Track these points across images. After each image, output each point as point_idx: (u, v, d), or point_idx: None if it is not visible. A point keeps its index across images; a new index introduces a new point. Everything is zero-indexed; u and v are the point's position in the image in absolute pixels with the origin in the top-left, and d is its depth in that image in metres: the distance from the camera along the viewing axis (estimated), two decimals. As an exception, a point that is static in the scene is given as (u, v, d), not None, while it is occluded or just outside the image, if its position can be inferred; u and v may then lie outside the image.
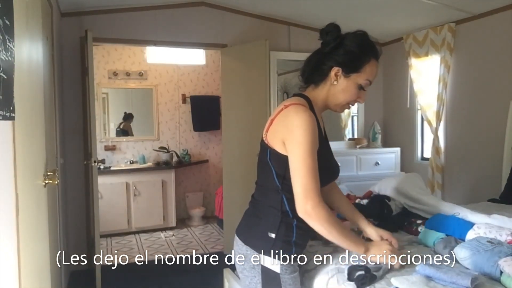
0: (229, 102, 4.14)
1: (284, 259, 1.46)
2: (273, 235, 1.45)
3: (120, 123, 5.70)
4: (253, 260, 1.48)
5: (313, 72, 1.50)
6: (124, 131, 5.70)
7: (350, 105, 1.51)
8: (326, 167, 1.47)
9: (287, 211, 1.46)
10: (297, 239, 1.48)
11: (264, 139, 1.48)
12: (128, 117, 5.71)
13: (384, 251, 1.47)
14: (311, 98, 1.49)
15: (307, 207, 1.35)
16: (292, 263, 1.49)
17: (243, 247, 1.50)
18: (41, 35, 2.13)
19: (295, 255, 1.50)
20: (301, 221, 1.45)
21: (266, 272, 1.46)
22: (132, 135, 5.72)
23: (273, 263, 1.46)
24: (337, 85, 1.46)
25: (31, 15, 1.69)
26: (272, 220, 1.46)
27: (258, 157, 1.54)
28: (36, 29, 1.92)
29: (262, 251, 1.46)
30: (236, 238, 1.56)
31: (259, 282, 1.48)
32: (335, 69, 1.45)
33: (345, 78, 1.46)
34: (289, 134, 1.38)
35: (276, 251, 1.45)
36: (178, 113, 5.87)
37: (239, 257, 1.52)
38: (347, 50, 1.45)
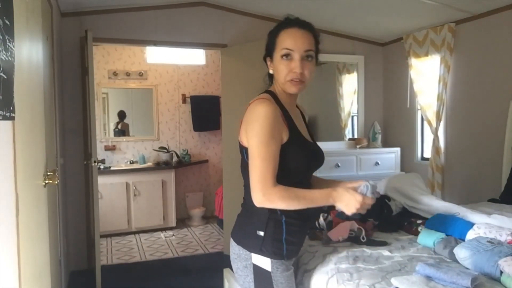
0: (229, 102, 4.14)
1: (275, 257, 1.46)
2: (261, 233, 1.45)
3: (118, 123, 5.68)
4: (245, 259, 1.49)
5: (269, 75, 1.58)
6: (122, 131, 5.68)
7: (294, 80, 1.45)
8: (301, 156, 1.47)
9: (275, 210, 1.45)
10: (288, 236, 1.47)
11: (239, 140, 1.52)
12: (122, 116, 5.68)
13: (347, 201, 1.38)
14: (275, 92, 1.52)
15: (258, 197, 1.37)
16: (284, 261, 1.48)
17: (236, 247, 1.52)
18: (41, 35, 2.13)
19: (287, 252, 1.48)
20: (291, 217, 1.46)
21: (258, 271, 1.47)
22: (129, 134, 5.70)
23: (263, 262, 1.46)
24: (274, 71, 1.50)
25: (31, 15, 1.69)
26: (259, 218, 1.47)
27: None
28: (36, 29, 1.92)
29: (253, 249, 1.47)
30: (231, 239, 1.57)
31: (252, 281, 1.49)
32: (268, 61, 1.53)
33: (273, 61, 1.49)
34: (248, 128, 1.41)
35: (266, 249, 1.45)
36: (178, 113, 5.87)
37: (233, 257, 1.54)
38: (267, 40, 1.52)
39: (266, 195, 1.36)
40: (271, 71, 1.52)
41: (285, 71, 1.44)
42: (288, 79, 1.44)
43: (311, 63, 1.47)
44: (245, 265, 1.49)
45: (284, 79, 1.45)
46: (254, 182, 1.38)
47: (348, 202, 1.36)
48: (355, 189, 1.42)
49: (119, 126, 5.67)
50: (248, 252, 1.48)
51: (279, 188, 1.37)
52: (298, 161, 1.46)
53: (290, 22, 1.48)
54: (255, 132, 1.38)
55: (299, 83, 1.45)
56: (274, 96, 1.50)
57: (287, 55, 1.43)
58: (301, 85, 1.46)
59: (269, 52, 1.51)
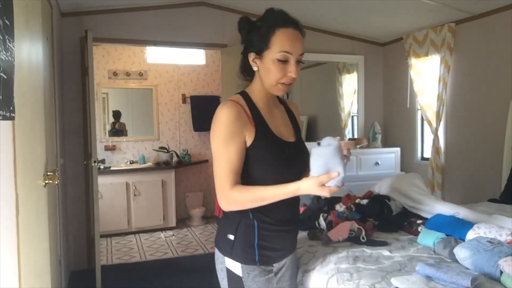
0: (229, 102, 4.14)
1: (246, 262, 1.40)
2: (231, 237, 1.41)
3: (114, 123, 5.65)
4: (221, 262, 1.46)
5: (244, 69, 1.47)
6: (119, 131, 5.65)
7: (285, 83, 1.37)
8: (270, 156, 1.38)
9: (247, 212, 1.40)
10: (261, 241, 1.41)
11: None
12: (118, 116, 5.65)
13: (311, 187, 1.27)
14: (248, 91, 1.45)
15: (220, 202, 1.36)
16: (257, 266, 1.42)
17: (216, 249, 1.50)
18: (41, 35, 2.13)
19: (261, 258, 1.41)
20: (265, 222, 1.41)
21: (230, 275, 1.44)
22: (126, 134, 5.68)
23: (235, 266, 1.42)
24: (260, 69, 1.39)
25: (31, 15, 1.69)
26: (230, 221, 1.43)
27: None
28: (36, 29, 1.92)
29: (225, 253, 1.44)
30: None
31: (227, 284, 1.46)
32: (250, 55, 1.40)
33: (261, 59, 1.37)
34: (211, 132, 1.38)
35: (236, 254, 1.41)
36: (178, 113, 5.87)
37: (215, 259, 1.51)
38: (253, 32, 1.39)
39: (225, 199, 1.35)
40: (255, 68, 1.40)
41: (279, 74, 1.35)
42: (281, 81, 1.37)
43: (300, 66, 1.39)
44: (221, 268, 1.47)
45: (276, 82, 1.37)
46: (216, 186, 1.36)
47: (309, 188, 1.27)
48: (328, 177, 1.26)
49: (116, 126, 5.65)
50: (222, 255, 1.45)
51: (236, 190, 1.33)
52: (265, 161, 1.38)
53: (285, 21, 1.36)
54: (214, 135, 1.35)
55: (288, 87, 1.40)
56: (246, 96, 1.43)
57: (284, 59, 1.34)
58: (289, 87, 1.41)
59: (257, 48, 1.37)
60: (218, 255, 1.48)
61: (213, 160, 1.38)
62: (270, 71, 1.36)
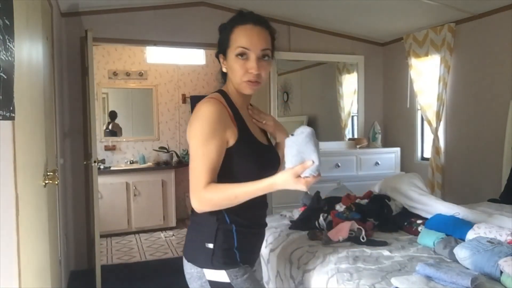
0: (229, 102, 4.14)
1: (229, 267, 1.35)
2: (211, 246, 1.34)
3: (109, 123, 5.63)
4: (199, 278, 1.36)
5: (221, 72, 1.48)
6: (113, 131, 5.63)
7: (250, 81, 1.34)
8: (252, 158, 1.36)
9: (224, 217, 1.35)
10: (240, 245, 1.37)
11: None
12: (113, 116, 5.64)
13: (286, 180, 1.20)
14: (226, 90, 1.43)
15: (193, 202, 1.29)
16: (240, 266, 1.37)
17: (188, 265, 1.39)
18: (41, 35, 2.13)
19: (242, 258, 1.38)
20: (243, 226, 1.37)
21: (217, 286, 1.35)
22: (121, 135, 5.66)
23: (219, 275, 1.34)
24: (227, 69, 1.40)
25: (31, 15, 1.69)
26: (208, 229, 1.35)
27: None
28: (36, 29, 1.92)
29: (204, 265, 1.35)
30: (183, 257, 1.43)
31: None
32: (220, 58, 1.42)
33: (227, 59, 1.39)
34: (190, 129, 1.32)
35: (218, 262, 1.34)
36: (178, 113, 5.87)
37: (187, 277, 1.40)
38: (221, 34, 1.43)
39: (198, 199, 1.28)
40: (224, 70, 1.42)
41: (240, 71, 1.34)
42: (244, 79, 1.34)
43: (267, 62, 1.36)
44: (200, 285, 1.36)
45: (240, 80, 1.35)
46: (190, 185, 1.29)
47: (285, 182, 1.20)
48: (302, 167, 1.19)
49: (110, 127, 5.64)
50: (200, 269, 1.35)
51: (209, 190, 1.26)
52: (248, 162, 1.35)
53: (244, 18, 1.36)
54: (194, 133, 1.30)
55: (255, 84, 1.35)
56: (225, 95, 1.41)
57: (242, 54, 1.33)
58: (257, 86, 1.36)
59: (222, 49, 1.40)
60: (192, 270, 1.37)
61: (190, 159, 1.31)
62: (233, 69, 1.36)
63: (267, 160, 1.42)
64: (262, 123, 1.49)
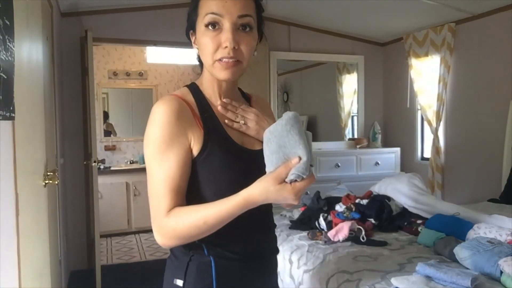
0: (229, 102, 4.14)
1: None
2: (179, 283, 1.01)
3: (105, 124, 5.62)
4: None
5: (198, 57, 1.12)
6: (106, 131, 5.61)
7: (223, 59, 0.98)
8: (226, 171, 1.00)
9: (199, 245, 1.01)
10: (220, 284, 1.00)
11: None
12: (106, 117, 5.61)
13: (267, 191, 0.88)
14: (198, 82, 1.12)
15: (156, 237, 0.97)
16: None
17: None
18: (41, 35, 2.13)
19: None
20: (224, 257, 1.01)
21: None
22: (116, 135, 5.65)
23: None
24: (198, 48, 1.05)
25: (31, 15, 1.69)
26: (178, 262, 1.04)
27: None
28: (36, 29, 1.92)
29: None
30: None
31: None
32: (191, 35, 1.08)
33: (196, 34, 1.04)
34: (144, 137, 1.00)
35: None
36: (178, 113, 5.86)
37: None
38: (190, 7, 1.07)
39: (160, 231, 0.96)
40: (195, 48, 1.07)
41: (211, 46, 0.98)
42: (216, 58, 0.98)
43: (249, 35, 1.00)
44: None
45: (212, 59, 0.99)
46: (151, 214, 0.98)
47: (264, 193, 0.88)
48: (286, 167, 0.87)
49: (104, 127, 5.63)
50: None
51: (171, 217, 0.94)
52: (220, 173, 0.99)
53: None
54: (147, 141, 0.98)
55: (233, 64, 0.98)
56: (195, 89, 1.09)
57: (213, 24, 0.97)
58: (236, 67, 0.99)
59: (191, 23, 1.05)
60: None
61: (147, 175, 0.99)
62: (203, 46, 1.00)
63: (248, 168, 0.99)
64: (240, 123, 1.07)
